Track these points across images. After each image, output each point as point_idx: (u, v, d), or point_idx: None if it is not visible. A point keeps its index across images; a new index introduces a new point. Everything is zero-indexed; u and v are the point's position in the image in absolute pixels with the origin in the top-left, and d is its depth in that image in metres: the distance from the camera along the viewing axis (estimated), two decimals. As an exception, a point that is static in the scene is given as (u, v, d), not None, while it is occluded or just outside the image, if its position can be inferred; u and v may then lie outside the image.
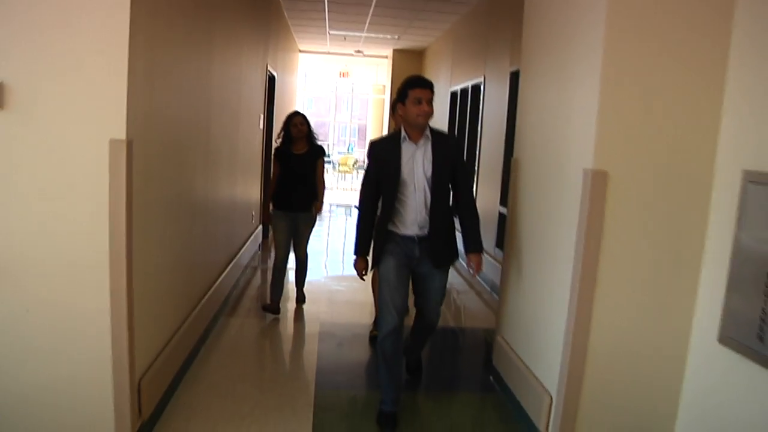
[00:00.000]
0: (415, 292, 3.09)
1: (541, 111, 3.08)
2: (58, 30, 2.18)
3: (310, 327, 4.39)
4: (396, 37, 9.75)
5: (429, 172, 2.84)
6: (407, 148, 2.85)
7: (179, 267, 3.28)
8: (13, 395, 2.31)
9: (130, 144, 2.24)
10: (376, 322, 3.76)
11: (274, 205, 4.41)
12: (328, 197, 11.96)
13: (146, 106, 2.48)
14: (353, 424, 2.98)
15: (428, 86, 2.82)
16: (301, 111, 4.54)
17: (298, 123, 4.32)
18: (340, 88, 18.80)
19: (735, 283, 2.24)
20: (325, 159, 4.75)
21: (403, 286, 2.90)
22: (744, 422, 2.18)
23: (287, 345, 4.20)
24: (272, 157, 4.47)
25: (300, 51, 11.67)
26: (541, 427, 2.68)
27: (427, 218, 2.87)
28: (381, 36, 9.76)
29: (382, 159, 2.89)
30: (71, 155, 2.23)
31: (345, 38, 10.13)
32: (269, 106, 6.96)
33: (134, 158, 2.29)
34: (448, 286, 3.14)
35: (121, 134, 2.23)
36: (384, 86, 13.92)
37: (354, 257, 2.99)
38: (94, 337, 2.30)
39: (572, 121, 2.65)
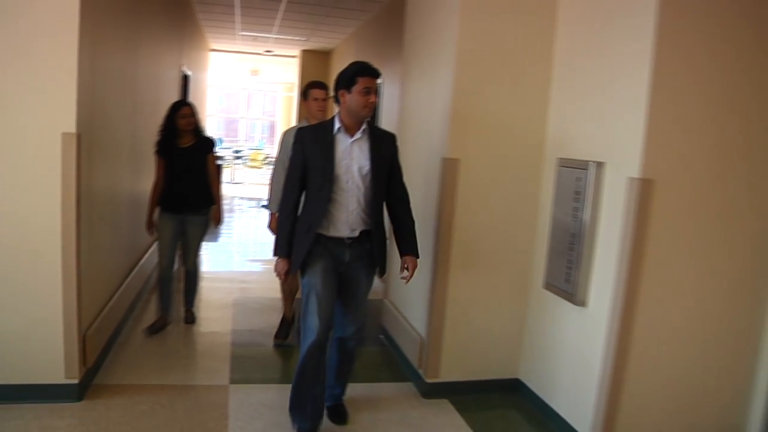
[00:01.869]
0: (339, 302, 2.78)
1: (416, 108, 3.75)
2: (13, 30, 2.59)
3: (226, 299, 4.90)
4: (304, 38, 10.29)
5: (366, 169, 2.62)
6: (342, 141, 2.62)
7: (114, 245, 3.78)
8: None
9: (79, 137, 2.72)
10: (281, 328, 3.98)
11: (160, 208, 3.90)
12: (238, 191, 12.46)
13: (89, 103, 2.95)
14: (266, 365, 3.62)
15: (378, 75, 2.58)
16: (203, 104, 4.32)
17: (186, 114, 3.83)
18: (251, 86, 19.01)
19: (553, 246, 3.06)
20: (215, 153, 4.16)
21: (331, 294, 2.66)
22: (563, 345, 3.00)
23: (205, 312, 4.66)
24: (154, 152, 3.89)
25: (212, 50, 11.93)
26: (416, 362, 3.41)
27: (360, 219, 2.65)
28: (289, 37, 10.27)
29: (312, 150, 2.62)
30: (26, 146, 2.68)
31: (255, 39, 10.55)
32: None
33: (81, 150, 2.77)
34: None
35: (72, 128, 2.69)
36: (293, 84, 14.39)
37: (275, 258, 2.71)
38: (47, 296, 2.77)
39: (434, 118, 3.35)
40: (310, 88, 3.69)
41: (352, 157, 2.61)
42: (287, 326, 4.02)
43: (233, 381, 3.34)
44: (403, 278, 2.83)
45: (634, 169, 2.48)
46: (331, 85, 2.79)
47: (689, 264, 2.60)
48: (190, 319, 4.24)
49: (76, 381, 2.86)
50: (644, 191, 2.46)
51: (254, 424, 2.87)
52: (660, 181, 2.47)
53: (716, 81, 2.49)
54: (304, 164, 2.63)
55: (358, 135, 2.63)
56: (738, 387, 2.76)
